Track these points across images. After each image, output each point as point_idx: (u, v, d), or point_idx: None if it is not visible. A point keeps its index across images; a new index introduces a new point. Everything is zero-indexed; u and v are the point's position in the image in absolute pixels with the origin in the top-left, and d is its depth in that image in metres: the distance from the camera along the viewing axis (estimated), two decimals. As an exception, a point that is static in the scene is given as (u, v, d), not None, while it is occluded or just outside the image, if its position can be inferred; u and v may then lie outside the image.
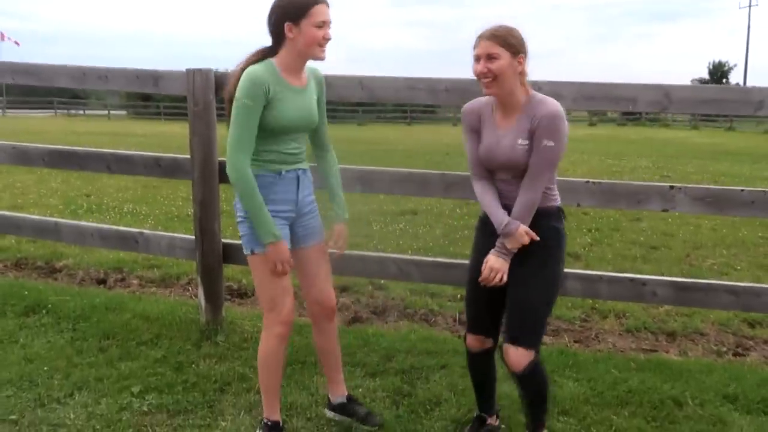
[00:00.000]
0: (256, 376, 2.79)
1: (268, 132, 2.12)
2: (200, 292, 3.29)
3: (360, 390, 2.72)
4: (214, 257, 3.25)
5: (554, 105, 2.00)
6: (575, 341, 3.54)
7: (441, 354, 3.08)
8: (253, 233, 2.15)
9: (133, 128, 24.68)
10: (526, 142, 2.00)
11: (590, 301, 4.01)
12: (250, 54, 2.17)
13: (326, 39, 2.10)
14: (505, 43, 1.97)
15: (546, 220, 2.09)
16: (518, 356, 2.07)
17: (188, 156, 3.21)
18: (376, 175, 3.05)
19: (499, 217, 2.07)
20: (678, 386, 2.84)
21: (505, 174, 2.11)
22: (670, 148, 19.23)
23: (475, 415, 2.42)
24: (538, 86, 2.71)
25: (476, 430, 2.37)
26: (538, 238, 2.04)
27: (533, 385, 2.16)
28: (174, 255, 3.53)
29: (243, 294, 4.17)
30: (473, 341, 2.27)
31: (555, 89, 2.68)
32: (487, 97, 2.12)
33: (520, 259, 2.08)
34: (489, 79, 1.98)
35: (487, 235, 2.16)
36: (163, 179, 7.30)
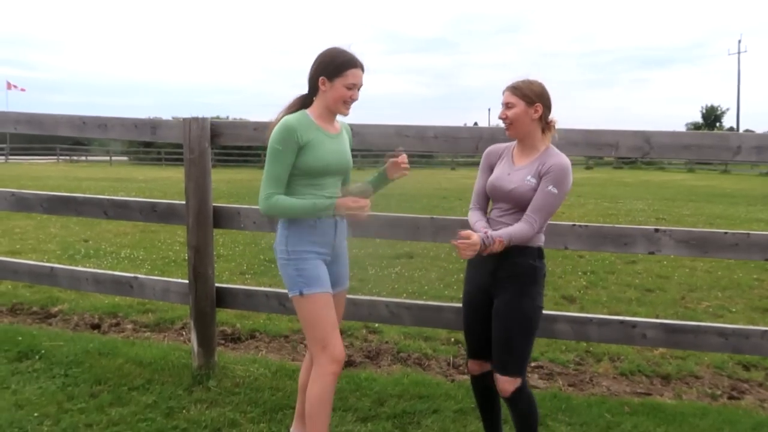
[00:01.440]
0: (247, 422, 2.80)
1: (308, 175, 2.25)
2: (193, 336, 3.30)
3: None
4: (208, 302, 3.28)
5: (565, 159, 2.27)
6: (569, 385, 3.52)
7: (433, 398, 3.07)
8: (299, 275, 2.24)
9: (135, 174, 24.93)
10: (534, 181, 2.24)
11: (584, 344, 4.01)
12: (288, 103, 2.35)
13: (352, 99, 2.28)
14: (522, 94, 2.26)
15: (524, 258, 2.28)
16: (505, 383, 2.28)
17: (184, 202, 3.27)
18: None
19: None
20: (671, 430, 2.83)
21: (505, 205, 2.32)
22: (666, 190, 19.39)
23: None
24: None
25: None
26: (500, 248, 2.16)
27: (521, 407, 2.33)
28: (168, 299, 3.55)
29: (237, 338, 4.16)
30: (472, 365, 2.46)
31: (539, 136, 2.77)
32: (510, 142, 2.43)
33: (500, 294, 2.29)
34: (508, 123, 2.29)
35: (475, 266, 2.38)
36: (160, 224, 7.36)
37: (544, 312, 3.02)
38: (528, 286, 2.28)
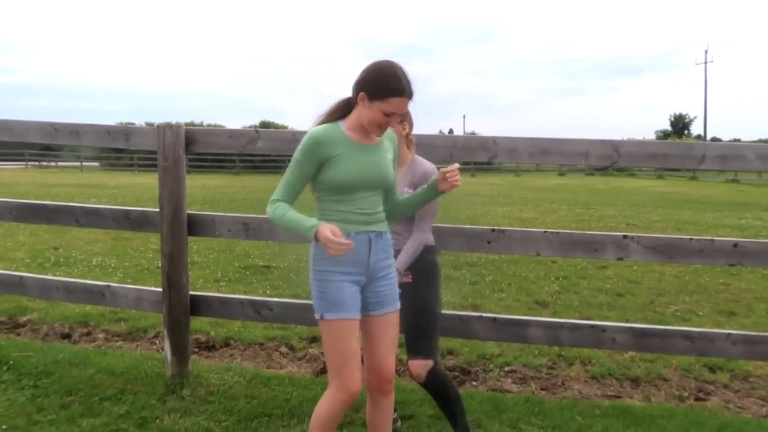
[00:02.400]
0: (222, 431, 2.79)
1: (336, 191, 2.12)
2: (166, 345, 3.28)
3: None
4: (182, 310, 3.26)
5: (431, 165, 2.61)
6: (542, 389, 3.58)
7: (408, 404, 3.09)
8: (321, 297, 2.13)
9: (106, 180, 24.52)
10: (411, 191, 2.49)
11: (556, 348, 4.08)
12: (330, 107, 2.20)
13: (388, 125, 2.12)
14: None
15: (424, 254, 2.58)
16: (418, 367, 2.53)
17: (157, 209, 3.25)
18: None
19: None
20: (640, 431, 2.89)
21: None
22: (637, 197, 19.80)
23: None
24: (495, 142, 2.86)
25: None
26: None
27: (437, 386, 2.58)
28: (141, 308, 3.52)
29: (211, 347, 4.13)
30: None
31: (511, 145, 2.84)
32: None
33: (403, 290, 2.42)
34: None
35: None
36: (134, 232, 7.27)
37: (517, 317, 3.11)
38: (430, 279, 2.57)
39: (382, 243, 2.22)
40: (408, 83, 2.07)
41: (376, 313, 2.22)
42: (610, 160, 2.86)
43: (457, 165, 2.21)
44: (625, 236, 2.88)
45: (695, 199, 18.94)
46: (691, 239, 2.85)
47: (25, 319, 4.64)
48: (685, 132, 55.24)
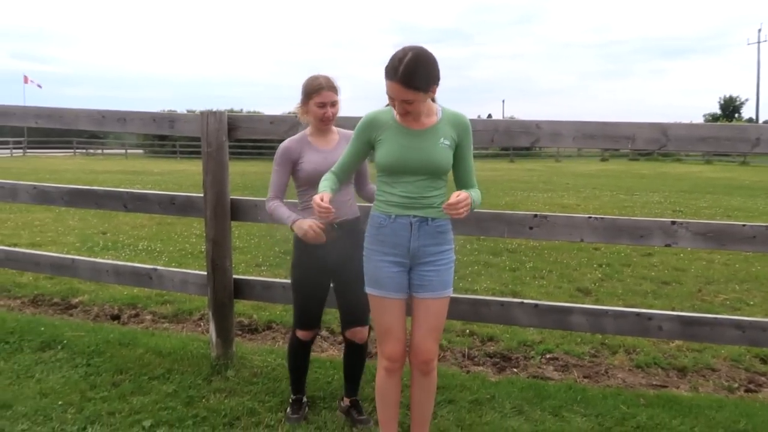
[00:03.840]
0: (265, 411, 2.86)
1: (382, 172, 2.22)
2: (211, 327, 3.36)
3: (368, 426, 2.74)
4: (226, 293, 3.33)
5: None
6: (585, 377, 3.53)
7: (449, 389, 3.10)
8: (365, 272, 2.29)
9: (150, 167, 25.16)
10: None
11: (599, 336, 4.01)
12: None
13: (399, 109, 2.12)
14: (338, 91, 2.58)
15: (358, 224, 2.66)
16: (364, 332, 2.76)
17: (201, 195, 3.31)
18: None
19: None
20: (687, 422, 2.83)
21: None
22: (683, 183, 19.19)
23: (293, 398, 2.85)
24: (538, 125, 2.81)
25: (299, 409, 2.81)
26: None
27: (366, 347, 2.85)
28: (186, 291, 3.61)
29: (254, 329, 4.22)
30: (308, 334, 2.79)
31: (555, 128, 2.78)
32: (299, 135, 2.69)
33: (346, 263, 2.56)
34: (333, 117, 2.60)
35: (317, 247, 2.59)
36: (177, 216, 7.45)
37: (560, 304, 3.06)
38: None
39: (429, 229, 2.21)
40: (402, 70, 1.98)
41: (417, 296, 2.28)
42: (658, 143, 2.77)
43: (461, 204, 2.04)
44: (673, 222, 2.79)
45: (746, 185, 18.23)
46: (743, 225, 2.74)
47: (76, 300, 4.83)
48: (736, 115, 53.01)
